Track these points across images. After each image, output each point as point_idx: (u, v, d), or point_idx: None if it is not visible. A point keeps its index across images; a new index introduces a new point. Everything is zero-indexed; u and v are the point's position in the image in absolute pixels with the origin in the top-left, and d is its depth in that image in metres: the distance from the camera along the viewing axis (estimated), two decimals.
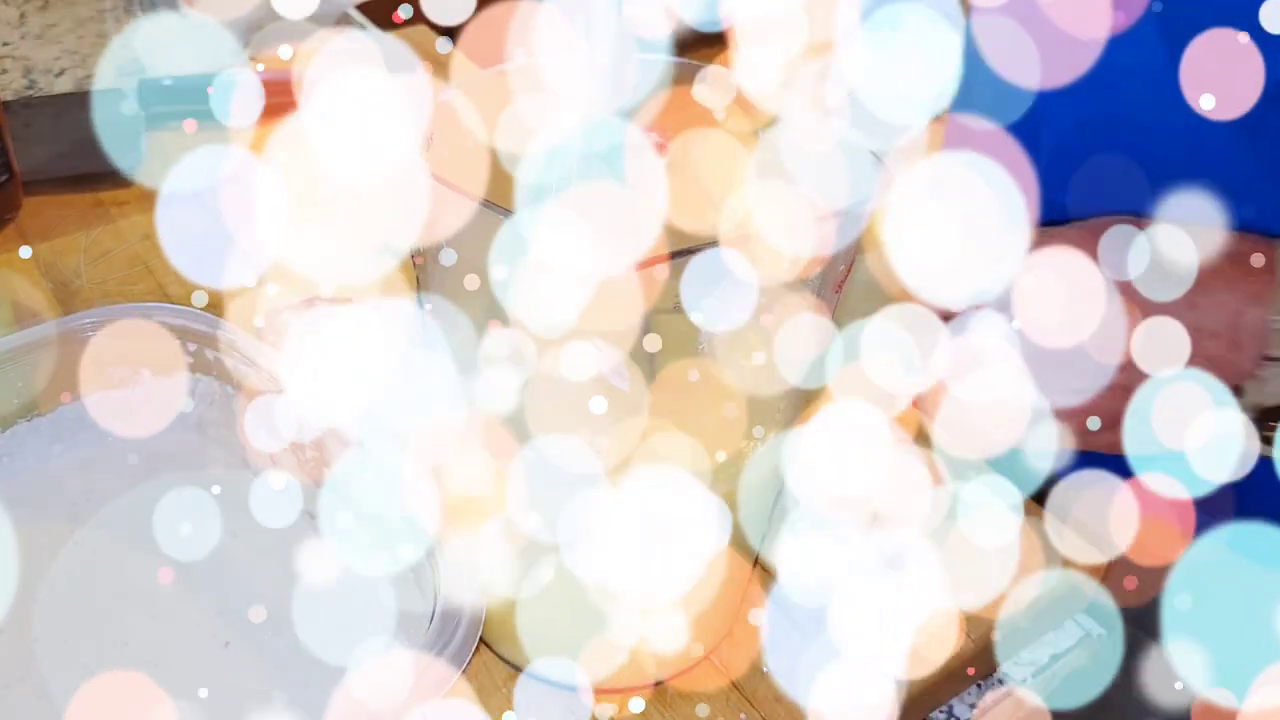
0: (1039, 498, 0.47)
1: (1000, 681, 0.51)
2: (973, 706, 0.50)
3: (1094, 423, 0.42)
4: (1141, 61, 0.46)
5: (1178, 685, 0.55)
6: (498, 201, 0.34)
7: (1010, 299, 0.43)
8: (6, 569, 0.44)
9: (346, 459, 0.43)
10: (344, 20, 0.89)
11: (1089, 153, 0.50)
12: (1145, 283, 0.41)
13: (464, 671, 0.37)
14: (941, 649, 0.47)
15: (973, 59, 0.48)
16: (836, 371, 0.37)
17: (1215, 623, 0.53)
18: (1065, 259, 0.42)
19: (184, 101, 0.80)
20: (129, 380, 0.49)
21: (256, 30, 0.88)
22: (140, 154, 0.75)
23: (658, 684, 0.46)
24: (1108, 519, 0.48)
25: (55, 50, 0.91)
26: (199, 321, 0.47)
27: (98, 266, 0.66)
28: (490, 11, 0.49)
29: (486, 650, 0.47)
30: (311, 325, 0.52)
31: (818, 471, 0.42)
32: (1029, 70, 0.46)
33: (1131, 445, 0.43)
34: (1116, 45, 0.45)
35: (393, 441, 0.43)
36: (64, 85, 0.86)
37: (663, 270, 0.31)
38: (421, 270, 0.38)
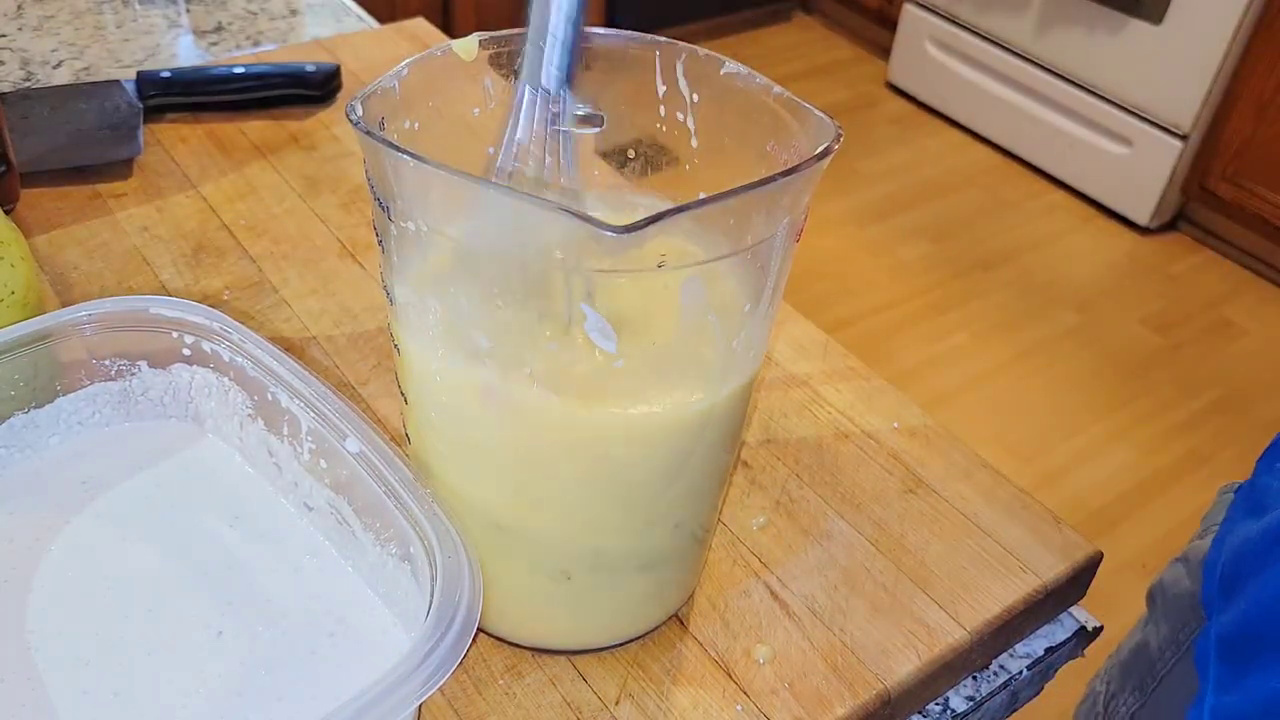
0: None
1: (995, 674, 0.51)
2: (969, 699, 0.50)
3: None
4: None
5: None
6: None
7: None
8: (3, 560, 0.44)
9: (342, 451, 0.43)
10: None
11: None
12: None
13: (461, 663, 0.37)
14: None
15: None
16: None
17: None
18: None
19: (182, 94, 0.80)
20: (126, 372, 0.49)
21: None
22: (137, 146, 0.75)
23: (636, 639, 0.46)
24: None
25: (52, 42, 0.91)
26: (196, 313, 0.47)
27: (95, 259, 0.66)
28: None
29: (484, 641, 0.47)
30: None
31: None
32: None
33: None
34: None
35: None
36: (61, 77, 0.86)
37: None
38: (391, 246, 0.38)
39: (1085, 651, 0.55)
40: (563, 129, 0.39)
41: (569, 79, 0.38)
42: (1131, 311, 2.16)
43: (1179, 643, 0.61)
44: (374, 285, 0.66)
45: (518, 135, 0.39)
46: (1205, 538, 0.61)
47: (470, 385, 0.39)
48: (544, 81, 0.38)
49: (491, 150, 0.40)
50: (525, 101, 0.38)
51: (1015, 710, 0.53)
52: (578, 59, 0.38)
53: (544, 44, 0.37)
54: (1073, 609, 0.54)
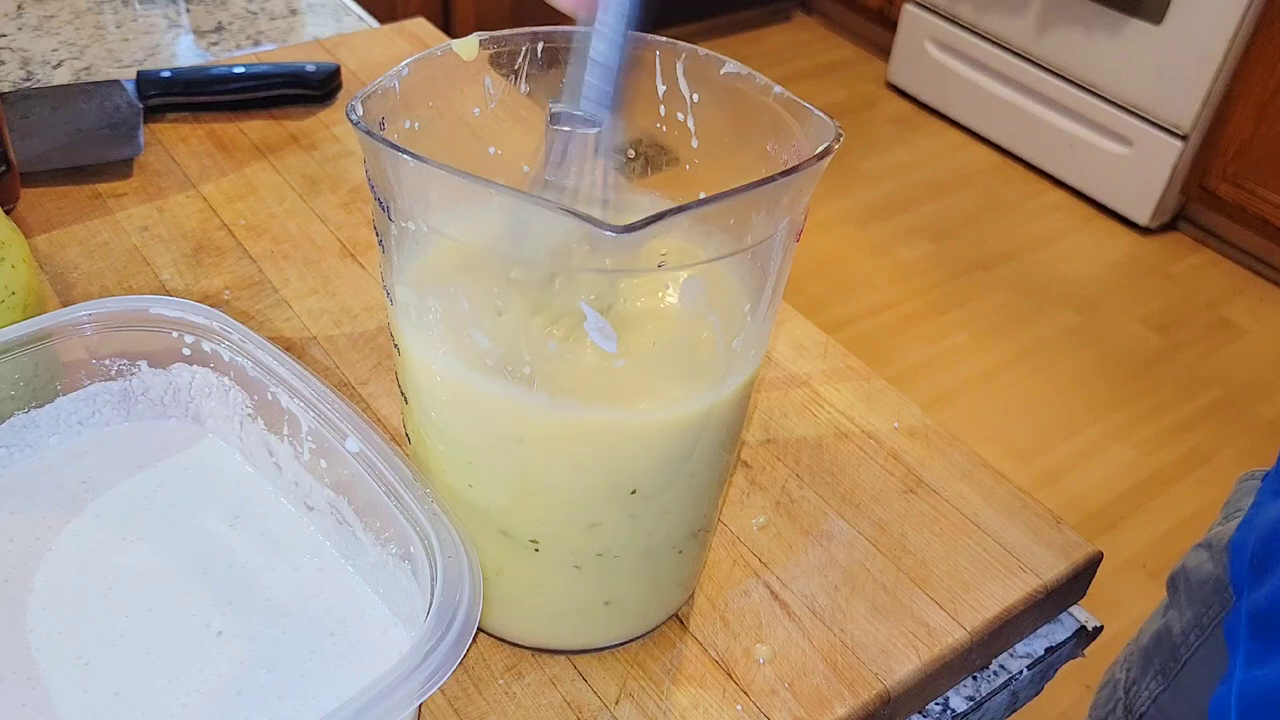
0: None
1: (995, 673, 0.51)
2: (969, 699, 0.50)
3: None
4: None
5: None
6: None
7: None
8: (3, 560, 0.44)
9: (342, 451, 0.43)
10: None
11: None
12: None
13: (461, 663, 0.37)
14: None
15: None
16: None
17: None
18: None
19: (182, 93, 0.80)
20: (126, 372, 0.49)
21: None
22: (138, 146, 0.75)
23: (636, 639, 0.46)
24: None
25: (53, 42, 0.91)
26: (196, 313, 0.47)
27: (95, 258, 0.66)
28: None
29: (484, 641, 0.47)
30: None
31: None
32: None
33: None
34: None
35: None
36: (62, 77, 0.86)
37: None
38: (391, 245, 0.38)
39: (1085, 651, 0.55)
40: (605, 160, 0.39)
41: (612, 104, 0.37)
42: (1131, 311, 2.16)
43: (1203, 626, 0.61)
44: (374, 285, 0.66)
45: (555, 160, 0.38)
46: (1228, 523, 0.62)
47: (470, 385, 0.39)
48: (583, 107, 0.37)
49: (527, 169, 0.40)
50: (563, 128, 0.38)
51: (1015, 710, 0.53)
52: (622, 85, 0.37)
53: (585, 67, 0.37)
54: (1073, 609, 0.54)
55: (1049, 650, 0.52)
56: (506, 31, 0.43)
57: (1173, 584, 0.66)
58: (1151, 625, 0.67)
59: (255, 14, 0.98)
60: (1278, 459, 0.58)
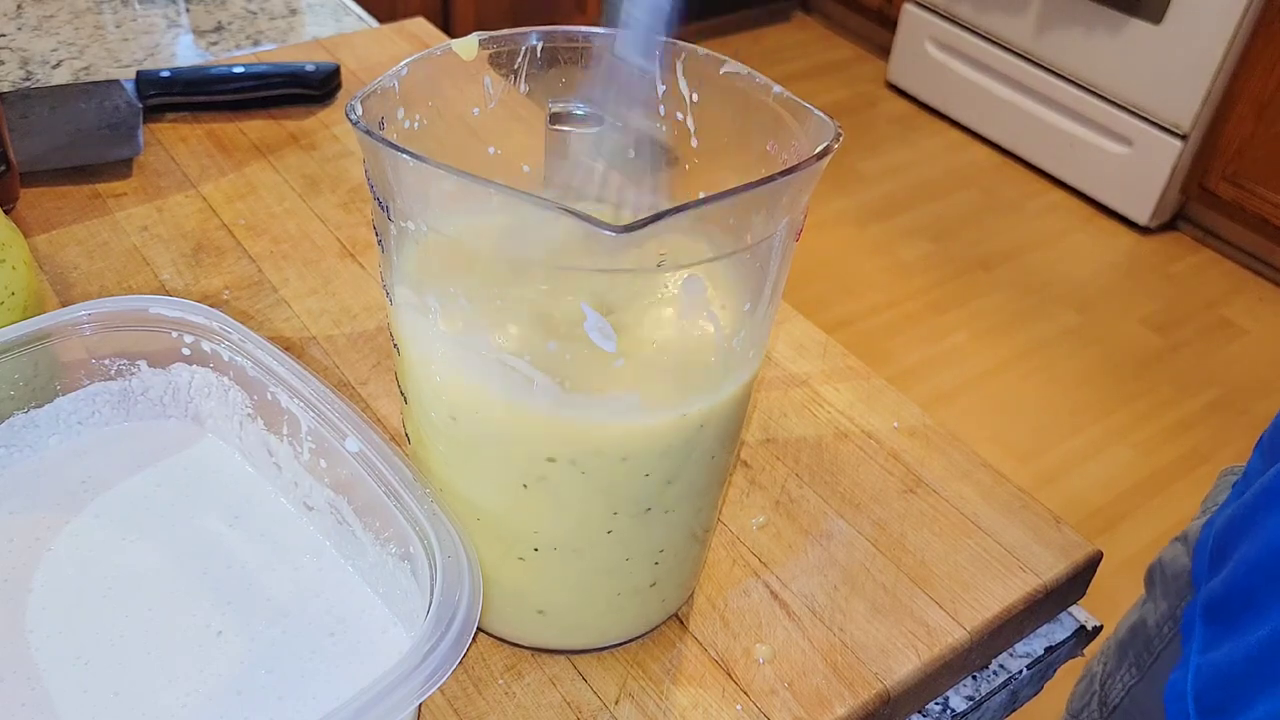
0: None
1: (995, 673, 0.51)
2: (969, 699, 0.50)
3: None
4: None
5: None
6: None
7: None
8: (3, 560, 0.44)
9: (342, 451, 0.43)
10: None
11: None
12: None
13: (461, 663, 0.37)
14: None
15: None
16: None
17: None
18: None
19: (181, 93, 0.80)
20: (126, 372, 0.49)
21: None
22: (137, 146, 0.75)
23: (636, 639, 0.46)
24: None
25: (52, 42, 0.91)
26: (195, 313, 0.47)
27: (95, 258, 0.66)
28: None
29: (484, 641, 0.47)
30: None
31: None
32: None
33: None
34: None
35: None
36: (61, 77, 0.86)
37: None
38: (391, 246, 0.38)
39: (1085, 651, 0.55)
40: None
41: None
42: (1131, 311, 2.16)
43: (1177, 618, 0.61)
44: (374, 285, 0.66)
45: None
46: (1204, 517, 0.62)
47: (469, 385, 0.39)
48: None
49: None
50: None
51: (1015, 710, 0.53)
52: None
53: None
54: (1072, 608, 0.54)
55: (1048, 650, 0.52)
56: (506, 31, 0.43)
57: (1150, 577, 0.66)
58: (1128, 619, 0.68)
59: (255, 14, 0.98)
60: (1248, 462, 0.58)
